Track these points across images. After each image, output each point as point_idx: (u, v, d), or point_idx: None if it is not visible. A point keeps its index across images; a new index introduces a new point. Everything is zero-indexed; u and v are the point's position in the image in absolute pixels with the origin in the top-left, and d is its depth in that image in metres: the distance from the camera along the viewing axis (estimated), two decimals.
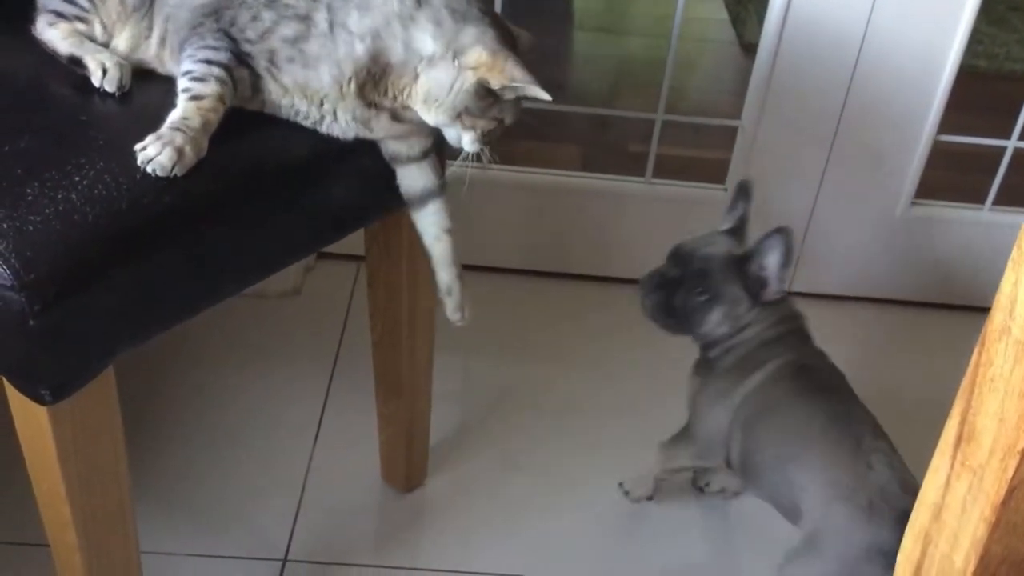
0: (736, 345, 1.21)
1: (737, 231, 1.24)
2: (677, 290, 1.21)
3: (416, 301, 1.22)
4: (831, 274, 1.80)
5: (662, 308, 1.22)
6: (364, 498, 1.38)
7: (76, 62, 0.97)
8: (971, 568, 0.67)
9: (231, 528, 1.31)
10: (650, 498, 1.36)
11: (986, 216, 1.74)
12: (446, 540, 1.34)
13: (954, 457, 0.68)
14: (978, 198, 1.73)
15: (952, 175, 1.79)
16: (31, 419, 0.88)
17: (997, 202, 1.72)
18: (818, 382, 1.20)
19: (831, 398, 1.19)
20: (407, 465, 1.36)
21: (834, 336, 1.75)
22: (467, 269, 1.76)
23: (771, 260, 1.17)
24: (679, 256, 1.23)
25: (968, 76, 1.66)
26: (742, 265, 1.19)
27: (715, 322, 1.21)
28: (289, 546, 1.30)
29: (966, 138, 1.68)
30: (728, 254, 1.21)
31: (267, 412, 1.48)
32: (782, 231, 1.15)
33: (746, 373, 1.20)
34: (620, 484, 1.36)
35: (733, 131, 1.69)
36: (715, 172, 1.74)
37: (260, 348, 1.58)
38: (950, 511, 0.69)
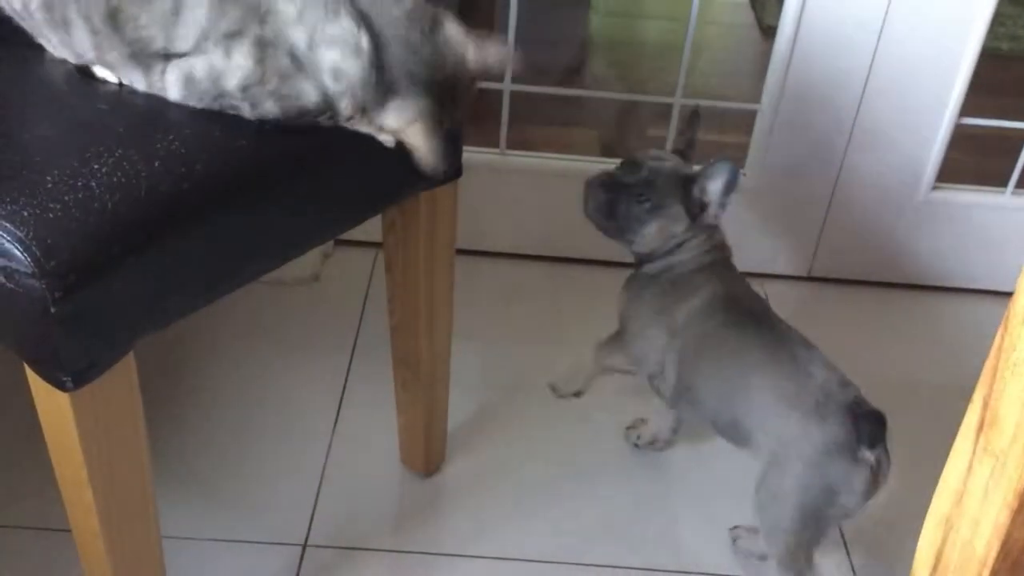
0: (672, 265, 1.26)
1: (686, 152, 1.29)
2: (622, 194, 1.25)
3: (434, 286, 1.22)
4: (852, 258, 1.79)
5: (604, 209, 1.26)
6: (383, 483, 1.38)
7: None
8: (993, 554, 0.67)
9: (252, 513, 1.32)
10: (578, 394, 1.37)
11: (1008, 200, 1.72)
12: (465, 525, 1.34)
13: (976, 442, 0.67)
14: (1000, 182, 1.71)
15: (974, 158, 1.77)
16: (53, 406, 0.88)
17: (1020, 185, 1.70)
18: (748, 312, 1.26)
19: (761, 325, 1.24)
20: (426, 450, 1.37)
21: (855, 321, 1.75)
22: (485, 255, 1.77)
23: (714, 185, 1.22)
24: (630, 164, 1.27)
25: (990, 58, 1.64)
26: (687, 184, 1.23)
27: (651, 234, 1.25)
28: (309, 531, 1.30)
29: (988, 121, 1.67)
30: (676, 171, 1.25)
31: (286, 398, 1.48)
32: (727, 161, 1.21)
33: (682, 297, 1.25)
34: (550, 386, 1.38)
35: (752, 115, 1.68)
36: (734, 156, 1.72)
37: (279, 334, 1.59)
38: (972, 497, 0.69)
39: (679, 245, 1.25)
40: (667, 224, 1.24)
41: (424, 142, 0.96)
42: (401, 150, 1.04)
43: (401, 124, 0.95)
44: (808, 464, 1.14)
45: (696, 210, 1.24)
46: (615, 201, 1.25)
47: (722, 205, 1.23)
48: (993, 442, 0.65)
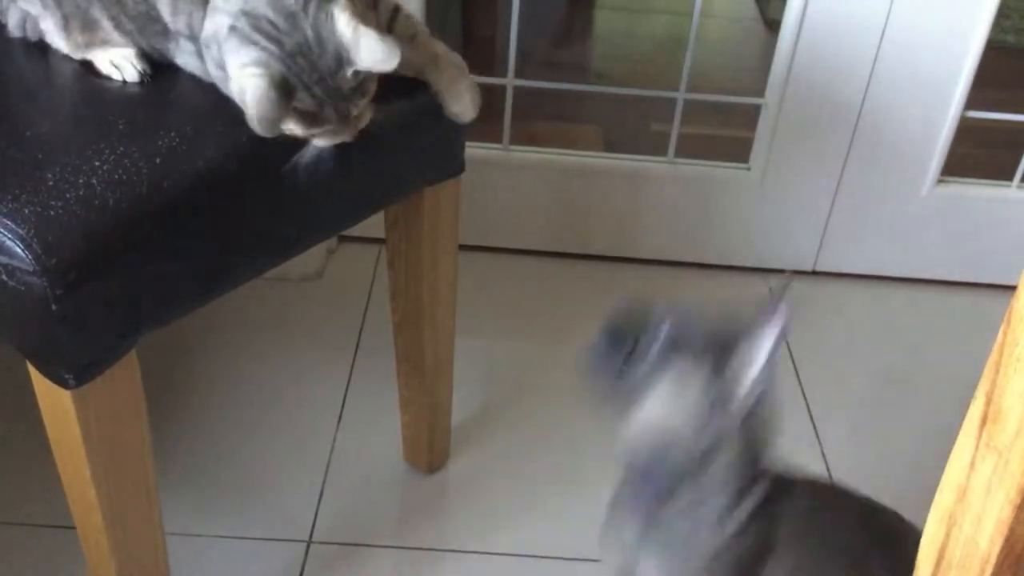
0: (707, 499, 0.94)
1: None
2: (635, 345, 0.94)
3: (437, 283, 1.22)
4: (857, 253, 1.78)
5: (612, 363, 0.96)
6: (387, 480, 1.38)
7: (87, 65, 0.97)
8: (996, 550, 0.67)
9: (256, 510, 1.32)
10: None
11: (1014, 193, 1.72)
12: (469, 521, 1.34)
13: (979, 438, 0.67)
14: (1006, 175, 1.71)
15: (979, 152, 1.77)
16: (56, 403, 0.88)
17: None
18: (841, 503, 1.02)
19: (862, 518, 1.01)
20: (429, 447, 1.37)
21: (860, 315, 1.75)
22: (489, 251, 1.76)
23: (747, 370, 0.88)
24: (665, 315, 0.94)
25: (996, 51, 1.63)
26: (719, 357, 0.90)
27: (656, 405, 0.95)
28: (313, 527, 1.30)
29: (994, 114, 1.66)
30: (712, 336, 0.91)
31: (290, 395, 1.48)
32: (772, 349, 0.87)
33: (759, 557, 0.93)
34: None
35: (757, 109, 1.68)
36: (738, 151, 1.73)
37: (283, 331, 1.59)
38: (975, 493, 0.68)
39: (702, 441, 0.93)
40: (678, 393, 0.93)
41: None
42: (405, 147, 1.04)
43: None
44: None
45: (723, 397, 0.90)
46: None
47: (754, 397, 0.88)
48: (996, 438, 0.65)
